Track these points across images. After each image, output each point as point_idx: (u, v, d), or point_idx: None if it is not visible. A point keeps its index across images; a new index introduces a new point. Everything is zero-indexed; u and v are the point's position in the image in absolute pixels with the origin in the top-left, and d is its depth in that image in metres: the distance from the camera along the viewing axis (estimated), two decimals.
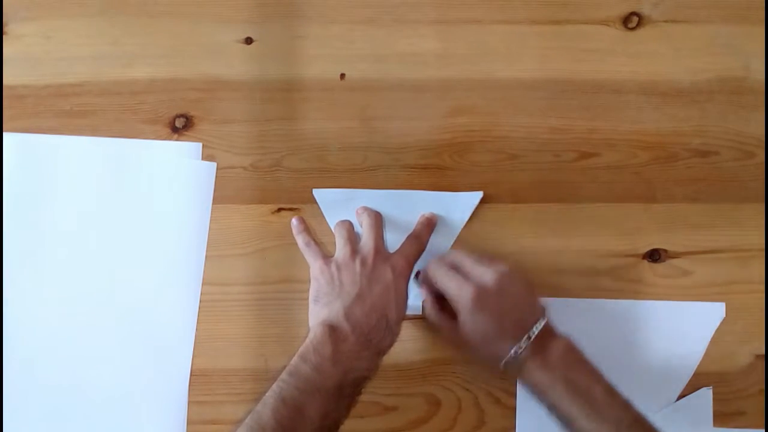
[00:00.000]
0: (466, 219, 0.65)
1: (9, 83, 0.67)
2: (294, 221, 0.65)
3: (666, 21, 0.68)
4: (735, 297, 0.65)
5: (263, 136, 0.67)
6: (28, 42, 0.67)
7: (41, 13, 0.68)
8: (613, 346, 0.64)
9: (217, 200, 0.66)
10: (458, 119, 0.67)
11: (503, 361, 0.56)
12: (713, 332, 0.64)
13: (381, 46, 0.68)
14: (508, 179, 0.66)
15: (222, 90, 0.67)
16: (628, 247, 0.66)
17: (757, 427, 0.64)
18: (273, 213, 0.66)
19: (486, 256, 0.60)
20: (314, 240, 0.65)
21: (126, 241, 0.65)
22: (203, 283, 0.65)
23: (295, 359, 0.54)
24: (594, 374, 0.55)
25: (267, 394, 0.53)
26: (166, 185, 0.66)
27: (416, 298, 0.64)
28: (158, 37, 0.67)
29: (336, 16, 0.68)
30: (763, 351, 0.64)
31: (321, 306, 0.59)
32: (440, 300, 0.60)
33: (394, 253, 0.62)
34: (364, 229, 0.63)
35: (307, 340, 0.56)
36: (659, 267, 0.66)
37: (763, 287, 0.65)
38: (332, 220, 0.65)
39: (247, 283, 0.65)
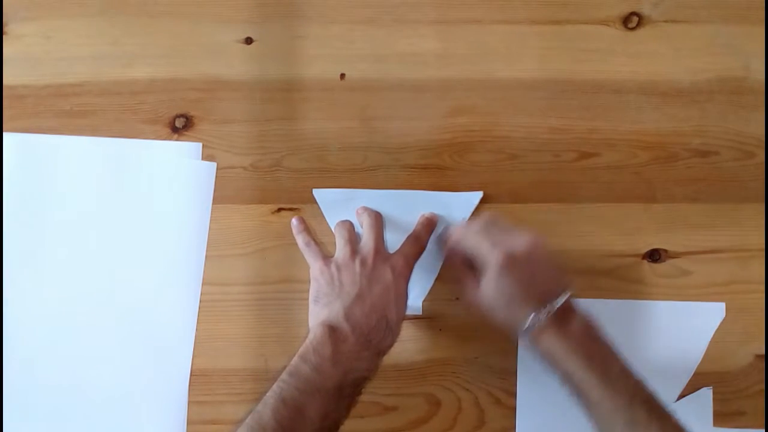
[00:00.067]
0: (467, 219, 0.65)
1: (9, 83, 0.67)
2: (294, 221, 0.65)
3: (666, 21, 0.68)
4: (735, 297, 0.65)
5: (263, 136, 0.67)
6: (28, 42, 0.67)
7: (41, 13, 0.68)
8: None
9: (217, 200, 0.66)
10: (458, 119, 0.67)
11: (523, 326, 0.55)
12: (713, 332, 0.65)
13: (381, 46, 0.68)
14: (508, 179, 0.66)
15: (222, 90, 0.67)
16: (628, 247, 0.66)
17: (757, 427, 0.64)
18: (273, 213, 0.66)
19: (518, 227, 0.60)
20: (314, 240, 0.65)
21: (126, 241, 0.65)
22: (203, 283, 0.65)
23: (295, 359, 0.54)
24: (612, 351, 0.55)
25: (267, 394, 0.53)
26: (166, 185, 0.66)
27: (416, 298, 0.64)
28: (158, 37, 0.67)
29: (336, 16, 0.68)
30: (763, 351, 0.65)
31: (321, 306, 0.59)
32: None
33: (394, 253, 0.62)
34: (364, 229, 0.63)
35: (307, 341, 0.56)
36: (659, 267, 0.66)
37: (763, 287, 0.65)
38: (332, 220, 0.65)
39: (247, 283, 0.65)
